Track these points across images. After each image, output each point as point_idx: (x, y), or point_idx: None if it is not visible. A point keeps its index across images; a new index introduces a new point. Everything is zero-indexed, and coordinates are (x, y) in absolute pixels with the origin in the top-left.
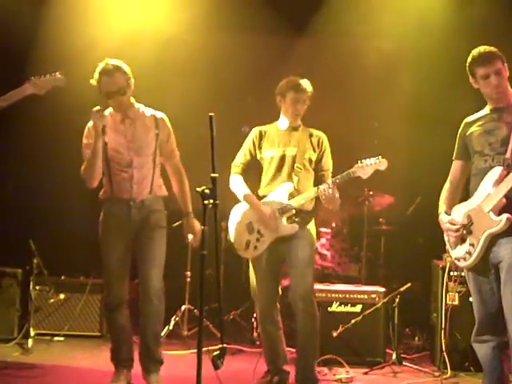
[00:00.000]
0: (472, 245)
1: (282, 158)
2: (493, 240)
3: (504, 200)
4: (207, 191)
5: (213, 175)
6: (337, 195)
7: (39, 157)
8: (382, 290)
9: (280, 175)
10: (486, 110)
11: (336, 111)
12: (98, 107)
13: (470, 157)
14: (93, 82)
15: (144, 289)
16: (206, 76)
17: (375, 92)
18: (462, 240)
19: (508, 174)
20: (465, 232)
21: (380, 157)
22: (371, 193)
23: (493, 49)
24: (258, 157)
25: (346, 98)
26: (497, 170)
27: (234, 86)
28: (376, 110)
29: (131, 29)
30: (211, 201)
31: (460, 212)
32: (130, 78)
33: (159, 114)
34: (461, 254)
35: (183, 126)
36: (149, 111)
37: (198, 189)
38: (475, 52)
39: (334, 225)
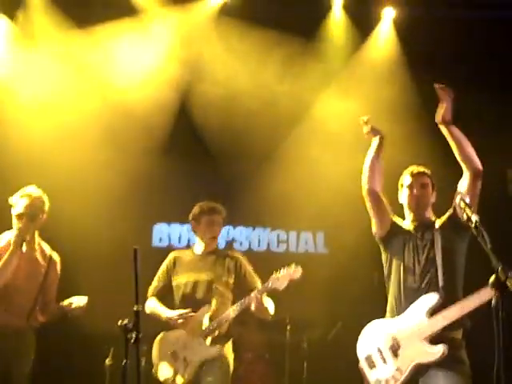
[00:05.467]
0: (399, 370)
1: (196, 284)
2: (421, 368)
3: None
4: (130, 325)
5: (136, 308)
6: (265, 305)
7: None
8: None
9: (193, 300)
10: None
11: None
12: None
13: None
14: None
15: None
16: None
17: None
18: (383, 360)
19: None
20: (389, 354)
21: (294, 265)
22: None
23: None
24: (173, 283)
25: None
26: (432, 299)
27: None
28: None
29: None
30: (133, 335)
31: (380, 330)
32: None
33: (54, 255)
34: (383, 377)
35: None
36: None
37: (120, 322)
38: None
39: (255, 349)
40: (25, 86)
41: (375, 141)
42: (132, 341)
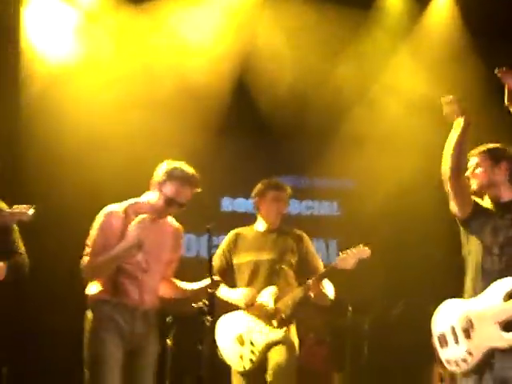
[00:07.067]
0: (470, 353)
1: (257, 263)
2: (495, 352)
3: None
4: (205, 308)
5: (210, 291)
6: (324, 290)
7: None
8: None
9: (256, 281)
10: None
11: None
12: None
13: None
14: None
15: None
16: None
17: None
18: (455, 340)
19: None
20: (462, 335)
21: (361, 245)
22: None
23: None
24: (234, 262)
25: None
26: (511, 282)
27: None
28: None
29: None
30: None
31: (456, 310)
32: None
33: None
34: (454, 358)
35: None
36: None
37: (194, 305)
38: None
39: (316, 332)
40: (84, 65)
41: (460, 122)
42: (208, 323)
